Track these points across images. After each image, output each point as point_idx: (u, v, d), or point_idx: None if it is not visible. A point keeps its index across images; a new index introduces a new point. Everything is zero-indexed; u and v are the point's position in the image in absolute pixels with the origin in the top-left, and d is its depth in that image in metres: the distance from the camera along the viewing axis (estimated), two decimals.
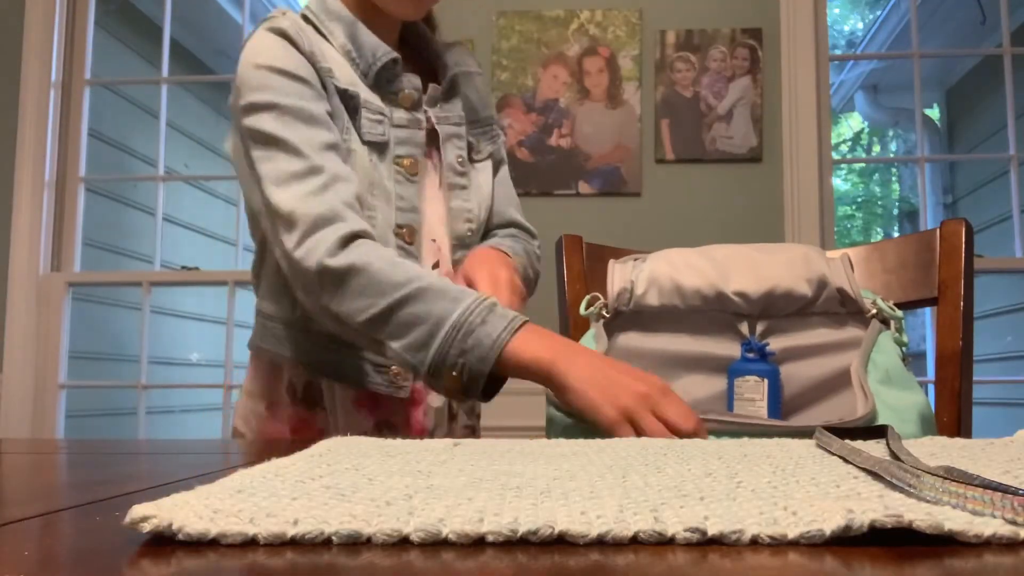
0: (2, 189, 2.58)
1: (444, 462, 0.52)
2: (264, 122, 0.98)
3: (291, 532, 0.32)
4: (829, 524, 0.32)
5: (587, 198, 2.55)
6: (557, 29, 2.59)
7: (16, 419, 2.51)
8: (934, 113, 5.34)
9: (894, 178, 10.39)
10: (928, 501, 0.36)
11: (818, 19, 2.51)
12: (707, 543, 0.32)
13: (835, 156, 2.68)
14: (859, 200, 10.85)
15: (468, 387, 0.87)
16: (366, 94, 1.04)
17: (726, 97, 2.51)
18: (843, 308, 0.92)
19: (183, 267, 3.39)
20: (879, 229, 10.70)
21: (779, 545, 0.32)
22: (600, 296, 0.98)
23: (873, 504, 0.34)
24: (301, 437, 1.05)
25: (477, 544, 0.32)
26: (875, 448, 0.58)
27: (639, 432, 0.77)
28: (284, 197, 0.95)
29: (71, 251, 2.62)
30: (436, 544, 0.32)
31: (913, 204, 9.19)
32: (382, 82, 1.06)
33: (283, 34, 1.00)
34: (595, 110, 2.56)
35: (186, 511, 0.34)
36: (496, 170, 1.20)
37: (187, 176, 3.89)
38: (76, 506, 0.44)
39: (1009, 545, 0.31)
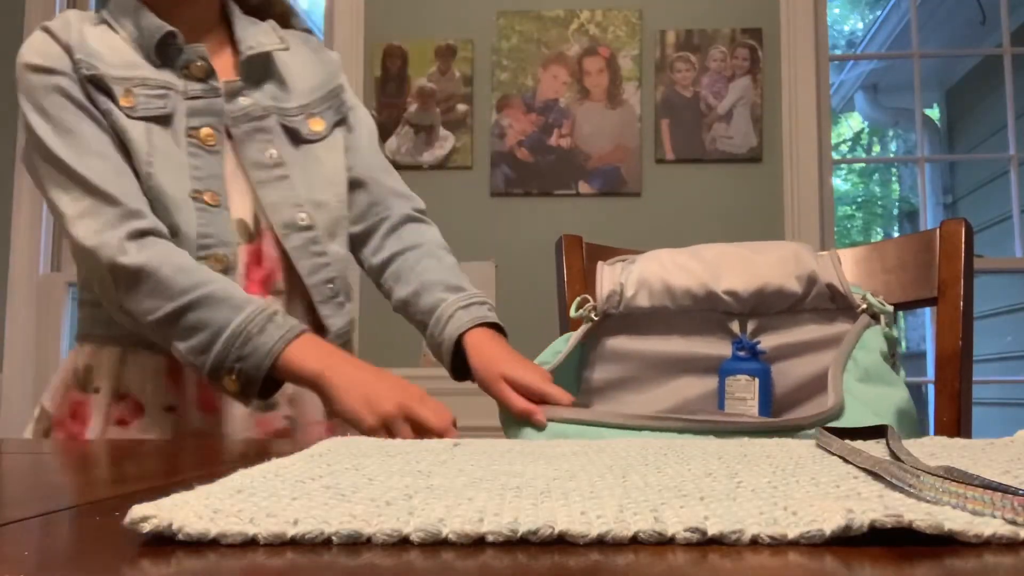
0: (2, 189, 2.58)
1: (444, 462, 0.52)
2: (39, 128, 1.03)
3: (291, 532, 0.32)
4: (829, 524, 0.32)
5: (587, 198, 2.55)
6: (557, 29, 2.59)
7: (16, 419, 2.51)
8: (934, 113, 5.34)
9: (894, 178, 10.39)
10: (928, 501, 0.36)
11: (818, 19, 2.51)
12: (707, 543, 0.32)
13: (835, 156, 2.69)
14: (859, 200, 10.86)
15: (245, 390, 0.94)
16: (147, 72, 1.05)
17: (726, 97, 2.52)
18: (833, 304, 0.92)
19: None
20: (879, 229, 10.70)
21: (779, 545, 0.32)
22: (590, 298, 0.97)
23: (873, 504, 0.34)
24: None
25: (477, 544, 0.32)
26: (875, 448, 0.58)
27: (393, 436, 0.85)
28: (67, 200, 1.01)
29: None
30: (436, 544, 0.32)
31: (913, 204, 9.20)
32: (167, 59, 1.07)
33: (47, 29, 1.06)
34: (595, 110, 2.56)
35: (186, 511, 0.34)
36: (352, 137, 1.18)
37: None
38: (76, 506, 0.44)
39: (1009, 545, 0.31)
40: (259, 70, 1.12)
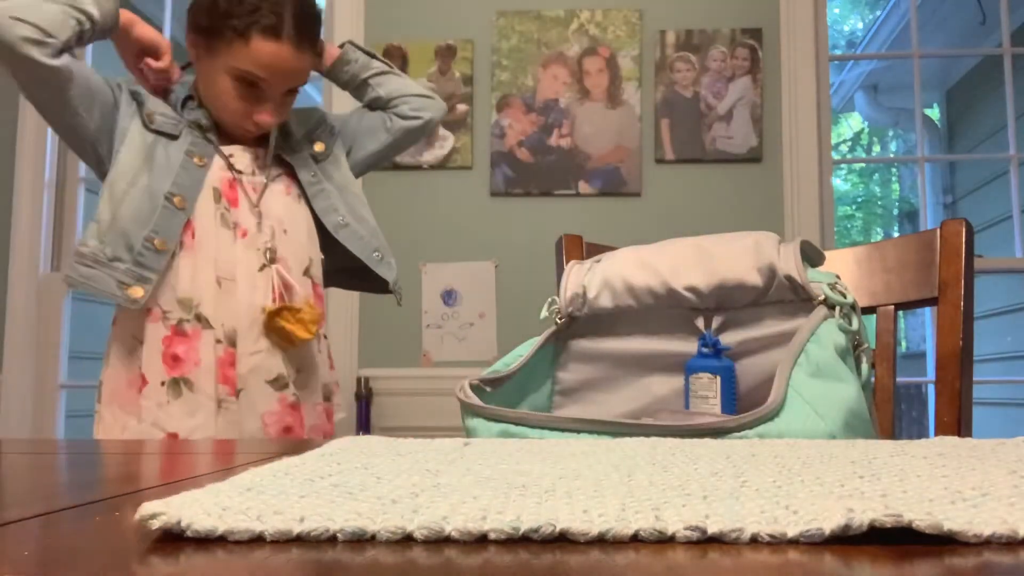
0: (2, 189, 2.58)
1: (453, 461, 0.52)
2: None
3: (297, 529, 0.32)
4: (829, 523, 0.32)
5: (587, 198, 2.55)
6: (557, 29, 2.59)
7: (16, 419, 2.51)
8: (934, 113, 5.34)
9: (894, 178, 10.39)
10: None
11: (818, 19, 2.51)
12: (707, 541, 0.32)
13: (835, 156, 2.69)
14: (859, 200, 10.86)
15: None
16: (165, 108, 1.38)
17: (726, 97, 2.52)
18: (795, 296, 0.89)
19: None
20: (879, 229, 10.71)
21: (779, 544, 0.32)
22: (557, 300, 0.97)
23: (873, 503, 0.35)
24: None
25: (480, 541, 0.32)
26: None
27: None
28: None
29: (71, 251, 2.62)
30: (439, 541, 0.32)
31: (913, 204, 9.20)
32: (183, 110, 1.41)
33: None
34: (595, 110, 2.56)
35: (195, 508, 0.34)
36: (342, 150, 1.51)
37: None
38: (76, 506, 0.44)
39: (1009, 545, 0.31)
40: (292, 136, 1.48)
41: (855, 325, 0.87)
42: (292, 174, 1.42)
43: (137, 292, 1.25)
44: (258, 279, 1.32)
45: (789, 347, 0.82)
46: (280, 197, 1.38)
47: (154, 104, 1.36)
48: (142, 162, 1.30)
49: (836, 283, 0.88)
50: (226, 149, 1.37)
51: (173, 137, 1.34)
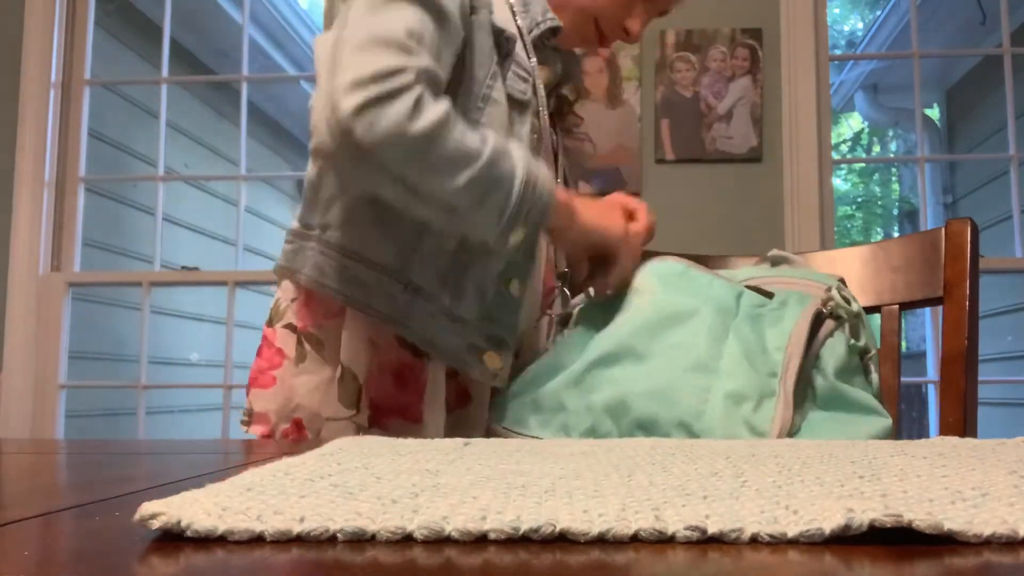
0: (2, 189, 2.58)
1: (453, 461, 0.52)
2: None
3: (297, 529, 0.32)
4: (829, 523, 0.32)
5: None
6: None
7: (16, 419, 2.51)
8: (934, 113, 5.34)
9: (894, 178, 10.39)
10: None
11: (818, 19, 2.51)
12: (707, 541, 0.32)
13: (835, 156, 2.69)
14: (859, 200, 10.86)
15: (529, 238, 0.90)
16: (518, 47, 1.00)
17: (726, 97, 2.52)
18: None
19: (183, 267, 3.40)
20: (879, 229, 10.70)
21: (779, 544, 0.32)
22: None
23: (874, 503, 0.35)
24: (402, 385, 0.96)
25: (480, 541, 0.32)
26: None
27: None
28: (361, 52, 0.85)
29: (71, 251, 2.62)
30: (439, 541, 0.32)
31: (913, 204, 9.19)
32: (534, 47, 1.03)
33: None
34: (595, 110, 2.56)
35: (195, 508, 0.34)
36: None
37: (187, 176, 3.89)
38: (76, 506, 0.44)
39: (1009, 545, 0.31)
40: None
41: (863, 340, 0.86)
42: None
43: None
44: None
45: (787, 368, 0.80)
46: None
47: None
48: None
49: (842, 289, 0.87)
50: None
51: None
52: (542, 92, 1.04)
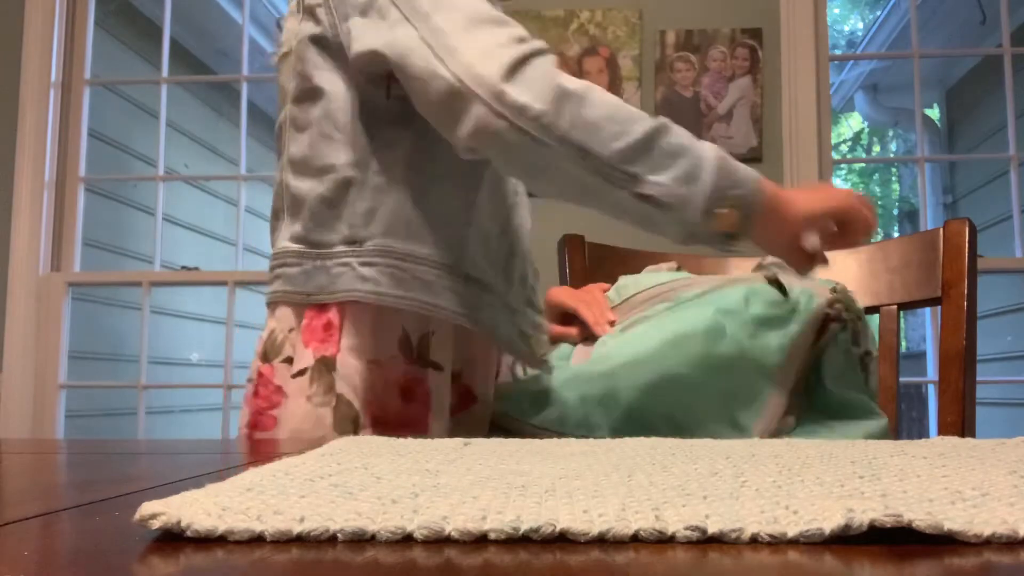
0: (2, 189, 2.58)
1: (453, 461, 0.52)
2: None
3: (297, 529, 0.32)
4: (829, 523, 0.32)
5: None
6: (557, 29, 2.59)
7: (16, 419, 2.51)
8: (934, 113, 5.34)
9: (894, 178, 10.38)
10: None
11: (818, 19, 2.51)
12: (707, 541, 0.32)
13: (835, 156, 2.69)
14: None
15: (743, 223, 0.81)
16: None
17: (726, 97, 2.52)
18: None
19: (183, 267, 3.40)
20: (879, 229, 10.69)
21: (779, 544, 0.32)
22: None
23: (874, 503, 0.35)
24: (410, 400, 0.93)
25: (480, 542, 0.32)
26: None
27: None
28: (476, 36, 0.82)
29: (71, 251, 2.62)
30: (439, 541, 0.32)
31: (913, 204, 9.19)
32: None
33: None
34: None
35: (195, 508, 0.34)
36: None
37: (187, 176, 3.89)
38: (76, 506, 0.44)
39: (1009, 545, 0.31)
40: None
41: (864, 344, 0.86)
42: None
43: None
44: None
45: (783, 370, 0.81)
46: None
47: None
48: None
49: (844, 291, 0.88)
50: None
51: None
52: None
